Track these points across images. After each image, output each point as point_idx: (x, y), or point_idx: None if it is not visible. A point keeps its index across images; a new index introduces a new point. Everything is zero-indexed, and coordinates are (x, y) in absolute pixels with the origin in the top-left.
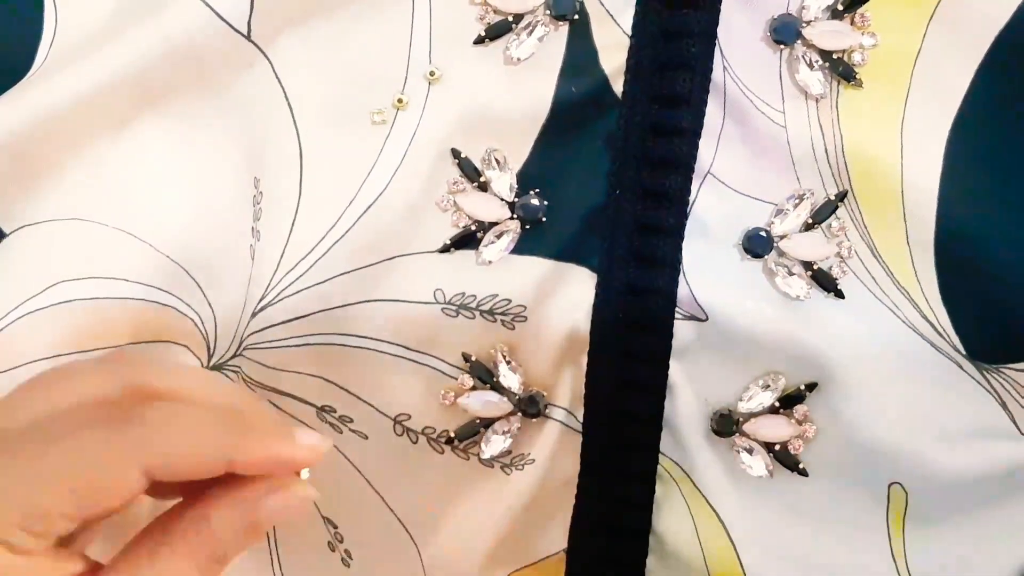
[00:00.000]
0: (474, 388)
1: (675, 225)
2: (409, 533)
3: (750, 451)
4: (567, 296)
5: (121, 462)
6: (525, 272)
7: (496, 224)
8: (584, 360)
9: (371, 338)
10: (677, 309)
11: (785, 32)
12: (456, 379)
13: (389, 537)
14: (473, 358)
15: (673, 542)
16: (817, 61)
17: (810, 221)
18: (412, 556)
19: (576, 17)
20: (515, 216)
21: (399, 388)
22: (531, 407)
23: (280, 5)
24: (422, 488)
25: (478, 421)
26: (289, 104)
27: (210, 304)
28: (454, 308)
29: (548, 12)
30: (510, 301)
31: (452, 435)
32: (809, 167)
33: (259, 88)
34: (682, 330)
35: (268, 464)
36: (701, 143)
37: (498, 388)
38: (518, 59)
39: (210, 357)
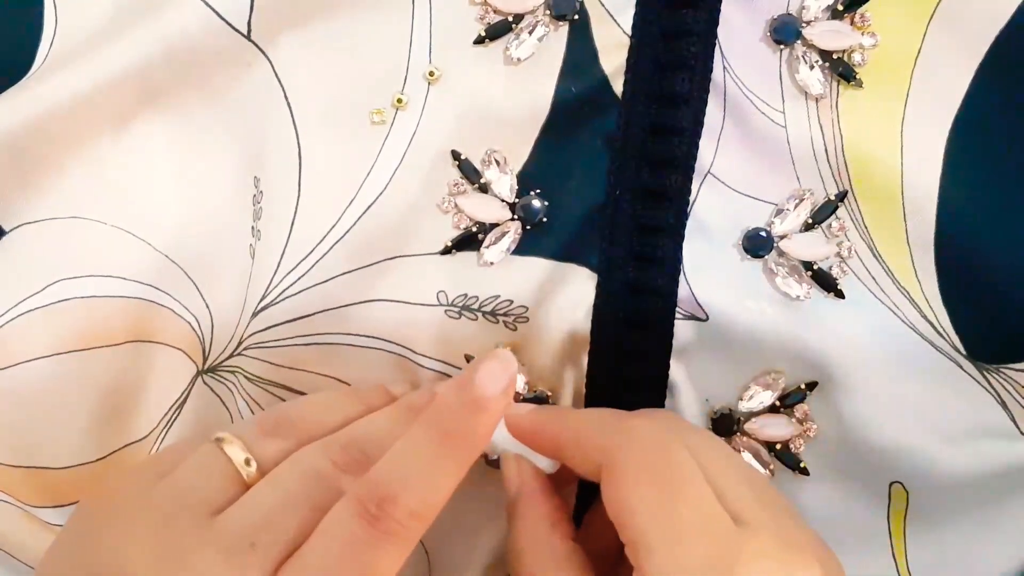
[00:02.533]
0: None
1: (675, 225)
2: None
3: (751, 450)
4: (568, 296)
5: None
6: (526, 273)
7: (497, 225)
8: (585, 360)
9: (375, 338)
10: (677, 309)
11: (785, 32)
12: None
13: None
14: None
15: None
16: (817, 61)
17: (810, 221)
18: (419, 557)
19: (576, 17)
20: (516, 217)
21: (404, 390)
22: None
23: (280, 5)
24: None
25: None
26: (289, 104)
27: (207, 304)
28: (457, 310)
29: (548, 12)
30: (512, 302)
31: None
32: (809, 167)
33: (259, 88)
34: (682, 330)
35: None
36: (701, 143)
37: None
38: (518, 59)
39: (205, 359)
